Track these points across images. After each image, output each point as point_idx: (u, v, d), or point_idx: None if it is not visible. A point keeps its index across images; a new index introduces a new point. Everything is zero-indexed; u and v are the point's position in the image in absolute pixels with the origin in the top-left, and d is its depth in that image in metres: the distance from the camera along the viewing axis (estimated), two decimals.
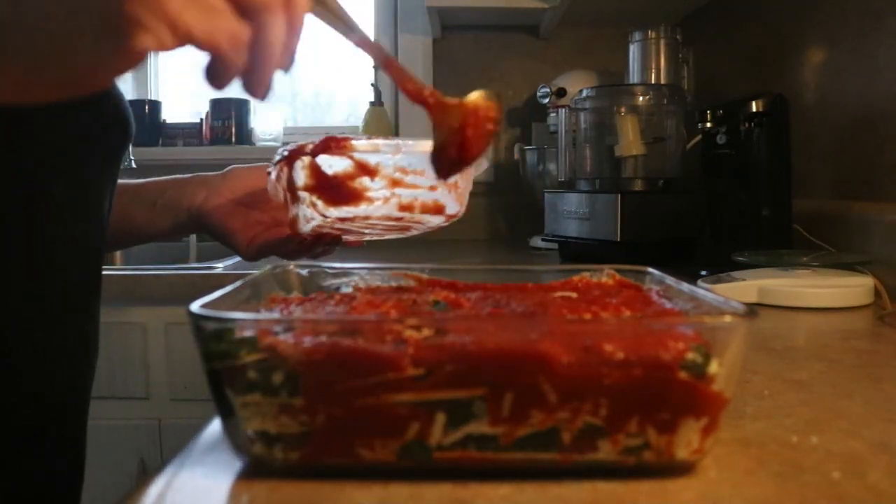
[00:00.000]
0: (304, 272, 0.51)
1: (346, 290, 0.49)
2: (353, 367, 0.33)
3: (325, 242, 0.64)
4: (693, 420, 0.34)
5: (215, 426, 0.40)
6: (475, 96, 0.43)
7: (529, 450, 0.33)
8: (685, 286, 0.43)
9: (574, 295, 0.45)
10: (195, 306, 0.34)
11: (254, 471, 0.35)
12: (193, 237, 1.73)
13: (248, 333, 0.33)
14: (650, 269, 0.49)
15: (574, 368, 0.32)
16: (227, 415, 0.34)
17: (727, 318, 0.35)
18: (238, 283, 0.42)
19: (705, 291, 0.41)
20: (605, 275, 0.50)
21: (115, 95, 0.62)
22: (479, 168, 0.50)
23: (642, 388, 0.33)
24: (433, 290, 0.45)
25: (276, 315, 0.40)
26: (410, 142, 0.54)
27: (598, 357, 0.32)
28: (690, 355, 0.33)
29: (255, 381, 0.33)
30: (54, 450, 0.57)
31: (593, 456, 0.34)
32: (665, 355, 0.33)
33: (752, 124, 1.00)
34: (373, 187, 0.55)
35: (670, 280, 0.45)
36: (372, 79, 1.85)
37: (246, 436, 0.34)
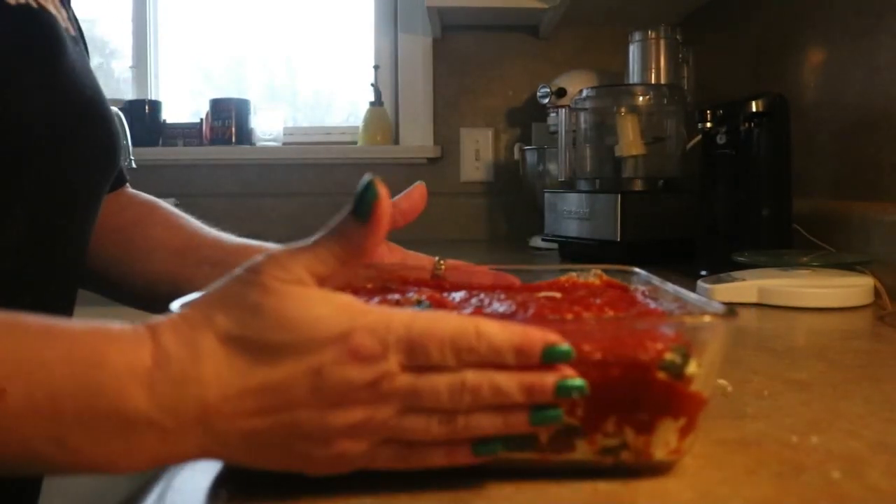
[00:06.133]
0: None
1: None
2: None
3: None
4: (671, 420, 0.33)
5: None
6: None
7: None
8: (670, 286, 0.43)
9: (558, 295, 0.45)
10: (175, 306, 0.34)
11: (254, 471, 0.35)
12: None
13: None
14: (636, 270, 0.48)
15: None
16: None
17: (705, 319, 0.35)
18: None
19: (689, 292, 0.41)
20: (593, 275, 0.49)
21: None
22: None
23: (620, 389, 0.33)
24: (418, 290, 0.45)
25: None
26: None
27: (576, 356, 0.32)
28: (669, 356, 0.33)
29: None
30: None
31: (570, 456, 0.34)
32: (643, 355, 0.33)
33: (752, 124, 1.00)
34: None
35: (656, 280, 0.45)
36: (372, 79, 1.85)
37: None
